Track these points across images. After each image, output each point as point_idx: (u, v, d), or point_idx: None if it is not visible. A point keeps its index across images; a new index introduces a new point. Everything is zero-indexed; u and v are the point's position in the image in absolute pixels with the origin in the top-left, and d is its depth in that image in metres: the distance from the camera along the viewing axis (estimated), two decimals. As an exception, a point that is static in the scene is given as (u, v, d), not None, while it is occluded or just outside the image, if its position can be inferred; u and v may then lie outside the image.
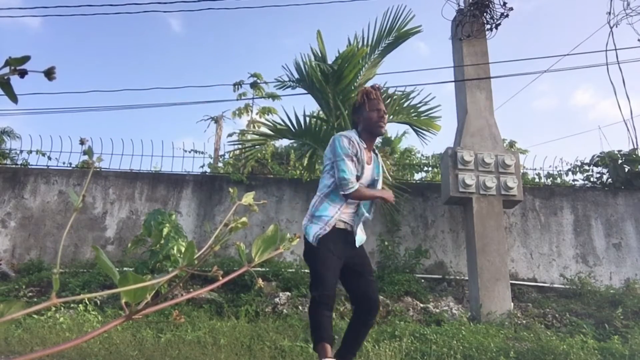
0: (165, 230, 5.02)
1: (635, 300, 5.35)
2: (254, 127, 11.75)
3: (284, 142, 8.72)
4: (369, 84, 6.34)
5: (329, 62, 5.90)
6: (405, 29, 6.26)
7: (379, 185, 2.90)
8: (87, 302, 4.52)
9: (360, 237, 2.81)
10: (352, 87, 6.07)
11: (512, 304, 5.43)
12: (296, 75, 6.23)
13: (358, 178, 2.73)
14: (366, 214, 2.81)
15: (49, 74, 0.57)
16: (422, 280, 6.13)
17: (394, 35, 6.27)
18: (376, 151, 2.97)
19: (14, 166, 7.39)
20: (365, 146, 2.81)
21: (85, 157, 6.95)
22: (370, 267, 2.82)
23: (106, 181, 6.94)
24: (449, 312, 5.18)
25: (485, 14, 6.54)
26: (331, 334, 2.56)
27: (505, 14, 6.52)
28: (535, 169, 7.78)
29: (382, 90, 3.10)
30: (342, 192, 2.68)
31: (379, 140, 11.72)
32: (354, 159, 2.71)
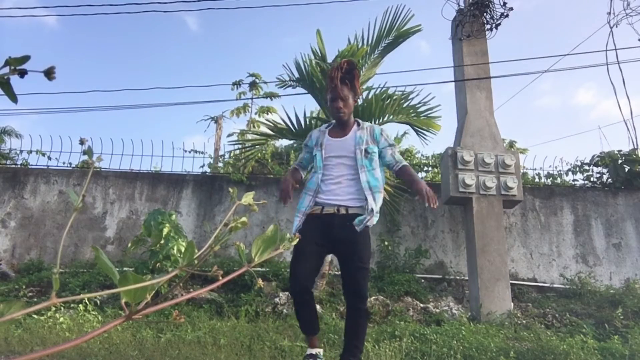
0: (165, 230, 5.02)
1: (635, 300, 5.34)
2: (253, 126, 11.75)
3: (284, 142, 8.72)
4: (369, 84, 6.37)
5: (329, 61, 5.90)
6: (404, 28, 6.25)
7: (360, 154, 2.80)
8: (87, 302, 4.52)
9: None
10: (352, 87, 6.06)
11: (512, 304, 5.43)
12: (296, 75, 6.22)
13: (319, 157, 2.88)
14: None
15: (49, 74, 0.57)
16: (422, 280, 6.13)
17: (394, 34, 6.27)
18: (360, 124, 2.96)
19: (14, 166, 7.39)
20: (328, 132, 2.96)
21: (85, 157, 6.95)
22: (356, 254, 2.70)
23: (106, 181, 6.94)
24: (449, 312, 5.18)
25: (485, 14, 6.54)
26: None
27: (505, 13, 6.52)
28: (535, 169, 7.78)
29: (347, 67, 2.87)
30: None
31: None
32: (306, 148, 3.06)
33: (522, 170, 6.70)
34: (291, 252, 2.73)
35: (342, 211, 2.72)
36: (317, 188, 2.81)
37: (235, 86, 13.84)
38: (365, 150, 2.79)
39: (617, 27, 7.60)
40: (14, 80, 0.57)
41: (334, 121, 3.02)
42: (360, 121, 2.98)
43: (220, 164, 8.62)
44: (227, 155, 8.82)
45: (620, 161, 7.14)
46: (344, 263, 2.72)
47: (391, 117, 6.29)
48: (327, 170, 2.82)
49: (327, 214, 2.73)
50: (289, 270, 2.83)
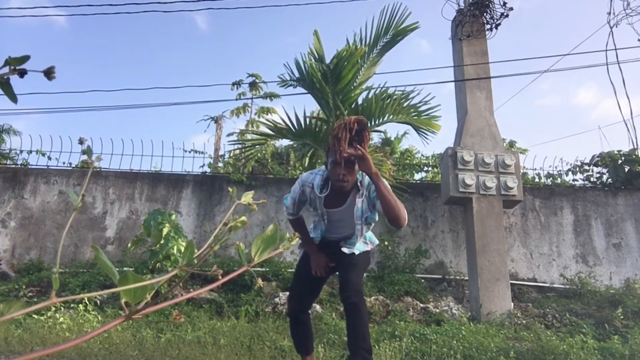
0: (165, 230, 5.02)
1: (635, 300, 5.35)
2: (252, 126, 11.75)
3: (284, 142, 8.73)
4: (368, 83, 6.37)
5: (327, 61, 5.90)
6: (402, 26, 6.26)
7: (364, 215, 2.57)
8: (87, 302, 4.53)
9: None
10: (352, 87, 6.07)
11: (512, 304, 5.43)
12: (297, 74, 6.22)
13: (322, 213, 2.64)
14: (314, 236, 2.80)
15: (48, 73, 0.57)
16: (422, 280, 6.13)
17: (392, 33, 6.27)
18: (361, 184, 2.52)
19: (14, 166, 7.39)
20: (324, 193, 2.57)
21: (85, 157, 6.95)
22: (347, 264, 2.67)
23: (106, 181, 6.94)
24: (449, 312, 5.18)
25: (485, 14, 6.54)
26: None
27: (505, 13, 6.52)
28: (535, 169, 7.78)
29: (357, 127, 2.34)
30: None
31: (378, 140, 11.69)
32: (299, 202, 2.68)
33: (522, 170, 6.70)
34: (291, 252, 2.71)
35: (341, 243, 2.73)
36: (323, 235, 2.79)
37: (235, 86, 13.84)
38: (366, 220, 2.59)
39: (617, 27, 7.61)
40: (14, 80, 0.56)
41: (323, 171, 2.62)
42: (360, 179, 2.50)
43: (220, 164, 8.63)
44: (227, 155, 8.83)
45: (620, 161, 7.14)
46: (338, 267, 2.72)
47: (391, 116, 6.29)
48: (331, 228, 2.74)
49: (332, 240, 2.76)
50: (288, 270, 2.84)
